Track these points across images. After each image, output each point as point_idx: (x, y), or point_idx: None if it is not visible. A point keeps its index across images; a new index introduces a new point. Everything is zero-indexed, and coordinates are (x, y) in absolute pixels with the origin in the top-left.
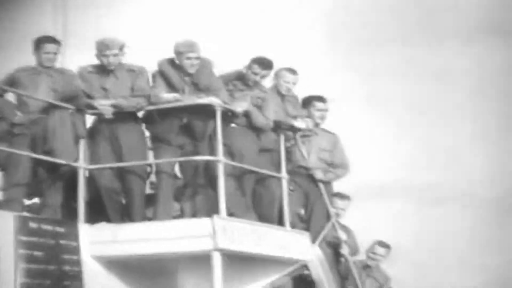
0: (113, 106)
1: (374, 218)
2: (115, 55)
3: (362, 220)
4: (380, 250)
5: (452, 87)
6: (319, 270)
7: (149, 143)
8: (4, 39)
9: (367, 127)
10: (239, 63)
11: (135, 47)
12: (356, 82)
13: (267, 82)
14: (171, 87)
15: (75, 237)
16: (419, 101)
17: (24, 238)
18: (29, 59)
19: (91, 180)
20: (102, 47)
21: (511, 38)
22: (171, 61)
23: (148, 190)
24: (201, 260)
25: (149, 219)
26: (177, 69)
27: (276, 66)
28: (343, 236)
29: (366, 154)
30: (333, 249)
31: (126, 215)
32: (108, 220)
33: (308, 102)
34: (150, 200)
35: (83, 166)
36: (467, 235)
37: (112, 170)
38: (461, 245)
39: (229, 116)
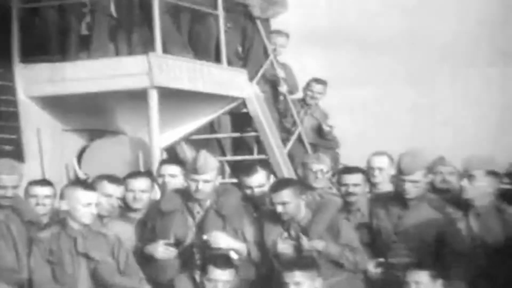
0: None
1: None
2: None
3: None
4: (317, 87)
5: None
6: (257, 107)
7: None
8: None
9: None
10: None
11: None
12: None
13: None
14: None
15: (11, 77)
16: None
17: None
18: None
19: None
20: None
21: None
22: None
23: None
24: (137, 98)
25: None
26: None
27: None
28: (281, 73)
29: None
30: (272, 86)
31: (62, 54)
32: (44, 59)
33: None
34: (86, 41)
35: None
36: None
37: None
38: None
39: None
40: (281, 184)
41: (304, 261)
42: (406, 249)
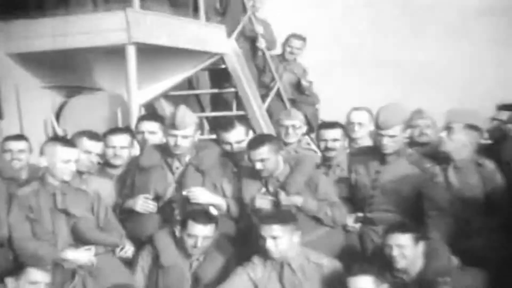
0: None
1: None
2: None
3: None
4: (296, 42)
5: None
6: (235, 63)
7: None
8: None
9: None
10: None
11: None
12: None
13: None
14: None
15: None
16: None
17: None
18: None
19: None
20: None
21: None
22: None
23: None
24: (115, 54)
25: None
26: None
27: None
28: (260, 29)
29: None
30: (250, 42)
31: (39, 10)
32: (21, 15)
33: None
34: None
35: None
36: None
37: None
38: None
39: None
40: (258, 140)
41: (282, 214)
42: (384, 204)
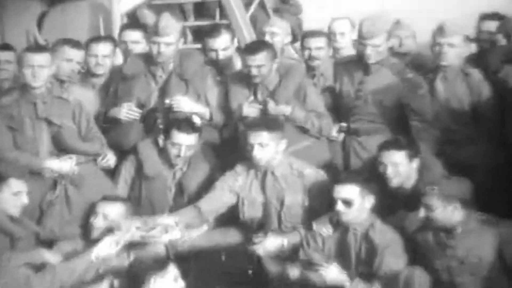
0: None
1: None
2: None
3: None
4: None
5: None
6: None
7: None
8: None
9: None
10: None
11: None
12: None
13: None
14: None
15: None
16: None
17: None
18: None
19: None
20: None
21: None
22: None
23: None
24: None
25: None
26: None
27: None
28: None
29: None
30: None
31: None
32: None
33: None
34: None
35: None
36: None
37: None
38: None
39: None
40: (257, 46)
41: (270, 122)
42: (367, 114)
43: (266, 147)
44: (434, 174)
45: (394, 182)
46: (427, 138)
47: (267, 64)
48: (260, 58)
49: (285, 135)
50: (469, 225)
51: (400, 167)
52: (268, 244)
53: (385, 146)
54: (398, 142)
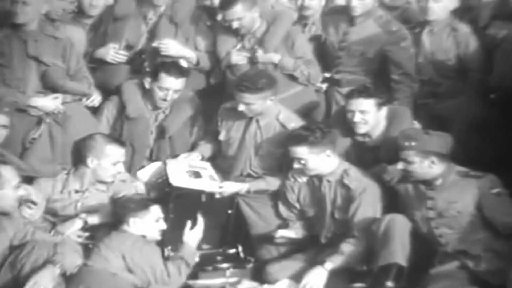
0: None
1: None
2: None
3: None
4: None
5: None
6: None
7: None
8: None
9: None
10: None
11: None
12: None
13: None
14: None
15: None
16: None
17: None
18: None
19: None
20: None
21: None
22: None
23: None
24: None
25: None
26: None
27: None
28: None
29: None
30: None
31: None
32: None
33: None
34: None
35: None
36: None
37: None
38: None
39: None
40: (230, 0)
41: (259, 82)
42: (350, 65)
43: (252, 106)
44: (403, 123)
45: (362, 129)
46: (405, 91)
47: (245, 15)
48: (236, 11)
49: (276, 90)
50: (449, 178)
51: (368, 115)
52: (231, 187)
53: (354, 93)
54: (367, 90)
